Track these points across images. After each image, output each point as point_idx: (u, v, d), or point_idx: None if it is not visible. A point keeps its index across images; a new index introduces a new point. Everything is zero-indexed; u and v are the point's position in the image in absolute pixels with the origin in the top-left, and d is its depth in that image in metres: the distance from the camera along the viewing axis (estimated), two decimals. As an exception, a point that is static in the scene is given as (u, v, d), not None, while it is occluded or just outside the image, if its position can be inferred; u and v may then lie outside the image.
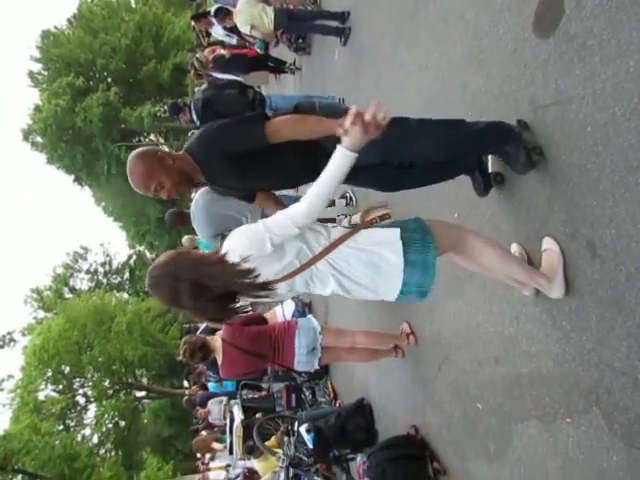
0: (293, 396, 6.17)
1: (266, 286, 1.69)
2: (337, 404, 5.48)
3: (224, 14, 5.49)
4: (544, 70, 2.05)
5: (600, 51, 1.76)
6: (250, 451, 5.48)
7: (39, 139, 27.35)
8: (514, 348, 2.30)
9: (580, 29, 1.86)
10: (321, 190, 1.67)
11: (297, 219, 1.69)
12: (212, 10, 6.41)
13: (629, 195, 1.65)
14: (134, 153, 2.08)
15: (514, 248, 2.23)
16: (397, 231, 1.79)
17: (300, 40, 7.02)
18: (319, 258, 1.76)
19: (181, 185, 2.08)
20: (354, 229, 1.82)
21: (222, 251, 1.72)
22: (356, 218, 1.94)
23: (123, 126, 27.61)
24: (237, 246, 1.71)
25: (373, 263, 1.78)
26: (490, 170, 2.40)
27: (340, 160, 1.63)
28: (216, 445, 8.54)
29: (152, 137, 31.03)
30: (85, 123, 25.55)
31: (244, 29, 5.11)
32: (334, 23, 5.20)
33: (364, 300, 4.23)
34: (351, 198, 4.81)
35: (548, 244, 2.03)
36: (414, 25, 3.55)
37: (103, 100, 25.81)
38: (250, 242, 1.71)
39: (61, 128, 26.06)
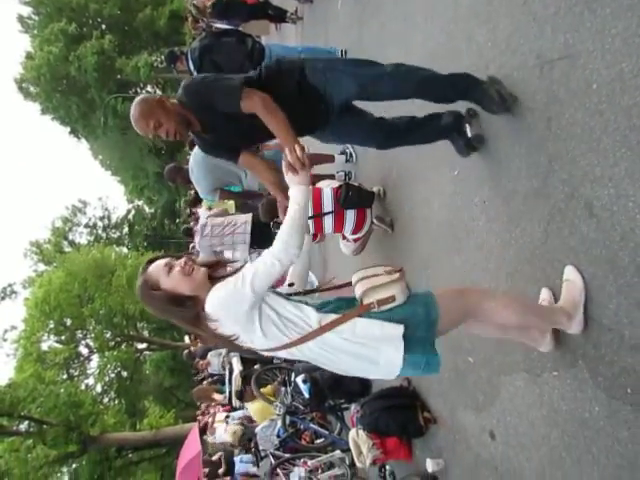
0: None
1: (232, 342, 1.68)
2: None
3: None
4: (553, 23, 1.99)
5: (612, 3, 1.71)
6: (240, 396, 5.72)
7: (32, 89, 26.70)
8: (507, 304, 2.35)
9: (592, -21, 1.80)
10: (289, 224, 1.68)
11: (276, 255, 1.63)
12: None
13: (630, 154, 1.65)
14: (136, 98, 2.25)
15: (544, 294, 2.03)
16: (401, 329, 1.64)
17: (302, -13, 6.74)
18: (299, 342, 1.64)
19: (180, 125, 2.19)
20: (347, 316, 1.66)
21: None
22: (358, 290, 1.74)
23: (119, 76, 26.89)
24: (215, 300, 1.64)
25: (369, 358, 1.66)
26: (469, 135, 2.48)
27: (296, 194, 1.76)
28: (216, 396, 8.83)
29: (149, 88, 30.28)
30: (79, 72, 24.86)
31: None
32: (337, -30, 4.99)
33: (361, 256, 4.27)
34: (351, 154, 4.76)
35: (571, 275, 1.88)
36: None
37: (97, 48, 25.01)
38: (227, 298, 1.63)
39: (55, 77, 25.37)
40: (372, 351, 1.65)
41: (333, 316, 1.67)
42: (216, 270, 1.81)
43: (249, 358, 6.76)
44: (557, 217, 1.99)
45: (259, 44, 4.61)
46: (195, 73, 4.40)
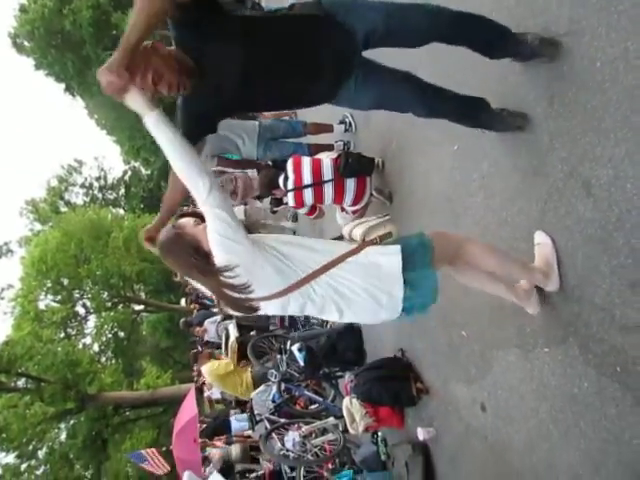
0: (287, 316, 6.42)
1: (246, 291, 1.68)
2: (329, 326, 5.71)
3: None
4: (560, -4, 1.93)
5: (621, -22, 1.66)
6: (195, 359, 5.93)
7: (26, 43, 25.97)
8: (501, 280, 2.38)
9: (605, -49, 1.74)
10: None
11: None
12: None
13: (631, 135, 1.63)
14: None
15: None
16: (398, 247, 1.79)
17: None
18: (318, 274, 1.71)
19: (182, 74, 1.79)
20: (354, 250, 1.79)
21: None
22: (357, 233, 1.86)
23: (114, 32, 26.07)
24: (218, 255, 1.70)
25: (374, 274, 1.75)
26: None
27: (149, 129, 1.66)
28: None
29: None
30: (74, 27, 24.09)
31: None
32: None
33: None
34: (350, 124, 4.69)
35: (541, 238, 2.05)
36: None
37: (93, 2, 24.17)
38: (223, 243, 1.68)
39: (49, 32, 24.61)
40: (374, 268, 1.76)
41: (343, 247, 1.83)
42: None
43: (245, 325, 6.85)
44: (555, 196, 1.99)
45: (259, 5, 4.48)
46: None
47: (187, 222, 1.80)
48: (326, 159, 3.62)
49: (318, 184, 3.55)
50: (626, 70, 1.63)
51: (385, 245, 1.84)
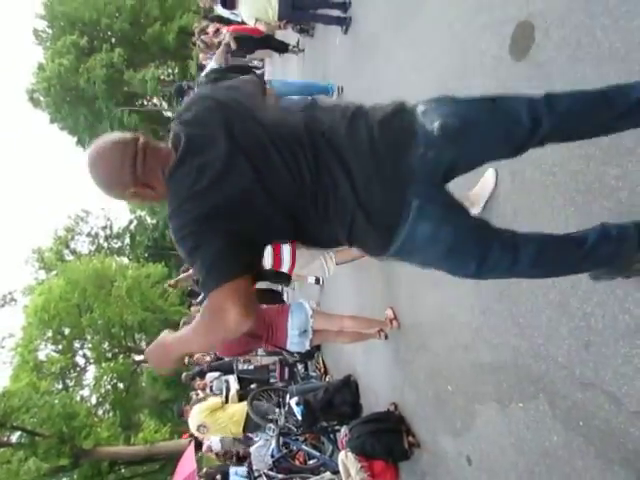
0: (286, 369, 6.52)
1: None
2: (327, 379, 5.81)
3: (231, 2, 5.54)
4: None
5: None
6: (180, 414, 6.18)
7: (42, 98, 27.32)
8: (480, 338, 2.58)
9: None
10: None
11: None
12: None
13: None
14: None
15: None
16: None
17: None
18: None
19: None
20: None
21: None
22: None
23: (126, 88, 27.45)
24: None
25: None
26: None
27: None
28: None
29: (155, 100, 30.85)
30: (88, 84, 25.52)
31: (249, 21, 5.23)
32: (336, 12, 5.29)
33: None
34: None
35: (489, 174, 2.40)
36: (414, 24, 3.69)
37: (107, 61, 25.67)
38: None
39: (65, 88, 26.00)
40: None
41: None
42: None
43: (246, 377, 6.94)
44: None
45: (262, 80, 4.90)
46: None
47: None
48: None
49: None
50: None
51: None
